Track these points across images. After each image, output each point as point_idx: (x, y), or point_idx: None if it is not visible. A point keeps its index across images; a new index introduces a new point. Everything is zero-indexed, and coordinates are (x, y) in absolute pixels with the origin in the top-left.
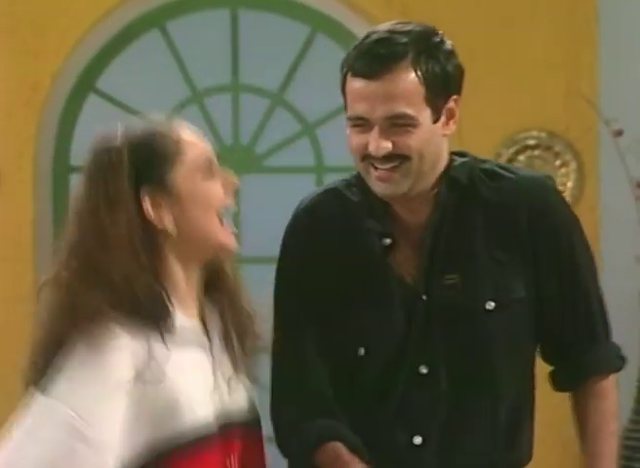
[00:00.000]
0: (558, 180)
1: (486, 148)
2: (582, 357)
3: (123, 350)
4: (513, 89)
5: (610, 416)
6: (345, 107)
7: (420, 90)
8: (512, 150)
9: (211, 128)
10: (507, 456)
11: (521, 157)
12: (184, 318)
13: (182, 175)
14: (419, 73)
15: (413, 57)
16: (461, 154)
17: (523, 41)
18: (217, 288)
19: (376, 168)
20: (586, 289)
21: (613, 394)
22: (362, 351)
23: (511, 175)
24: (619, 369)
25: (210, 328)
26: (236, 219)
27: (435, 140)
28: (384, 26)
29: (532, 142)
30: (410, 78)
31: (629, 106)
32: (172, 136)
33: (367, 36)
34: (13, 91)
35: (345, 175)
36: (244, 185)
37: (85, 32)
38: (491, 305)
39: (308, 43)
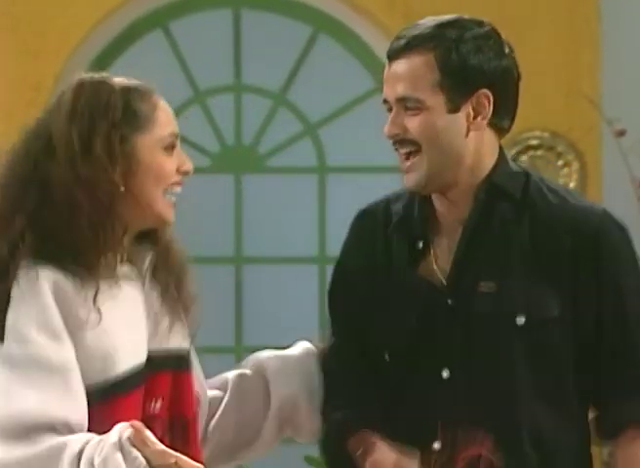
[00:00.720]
0: (561, 181)
1: None
2: (623, 403)
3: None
4: None
5: None
6: None
7: (434, 75)
8: (514, 150)
9: (213, 128)
10: None
11: (523, 157)
12: (118, 264)
13: (146, 143)
14: (437, 58)
15: (435, 42)
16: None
17: (524, 41)
18: (152, 242)
19: (401, 159)
20: (632, 334)
21: None
22: (387, 356)
23: (571, 199)
24: None
25: (142, 274)
26: (238, 219)
27: (453, 131)
28: (428, 18)
29: (534, 143)
30: (423, 61)
31: (632, 106)
32: (151, 100)
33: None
34: (14, 91)
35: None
36: (246, 185)
37: (87, 32)
38: (521, 321)
39: (311, 43)
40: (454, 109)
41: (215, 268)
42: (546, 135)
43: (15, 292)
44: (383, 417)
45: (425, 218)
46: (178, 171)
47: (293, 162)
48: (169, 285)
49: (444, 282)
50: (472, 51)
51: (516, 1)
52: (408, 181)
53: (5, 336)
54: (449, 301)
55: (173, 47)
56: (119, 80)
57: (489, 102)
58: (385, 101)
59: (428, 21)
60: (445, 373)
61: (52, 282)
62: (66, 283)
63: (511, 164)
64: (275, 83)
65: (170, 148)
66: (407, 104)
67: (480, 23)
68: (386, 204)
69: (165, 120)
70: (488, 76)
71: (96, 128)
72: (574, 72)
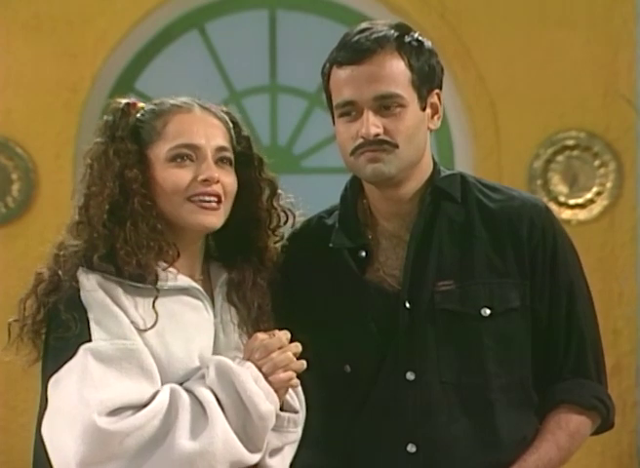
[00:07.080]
0: (597, 181)
1: (524, 149)
2: (557, 385)
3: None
4: (552, 89)
5: (558, 449)
6: (330, 103)
7: (407, 73)
8: (551, 151)
9: (248, 128)
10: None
11: (560, 157)
12: (186, 279)
13: (154, 157)
14: (404, 58)
15: (397, 43)
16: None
17: (561, 41)
18: (242, 259)
19: (365, 152)
20: (581, 322)
21: (576, 434)
22: (348, 368)
23: (513, 192)
24: (591, 407)
25: (215, 290)
26: None
27: (422, 129)
28: (363, 24)
29: (571, 143)
30: (396, 61)
31: None
32: (165, 117)
33: (347, 34)
34: (52, 92)
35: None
36: (281, 186)
37: (124, 34)
38: (486, 312)
39: None
40: (423, 107)
41: None
42: (583, 135)
43: (83, 296)
44: (345, 431)
45: (365, 227)
46: (194, 180)
47: (328, 163)
48: (248, 308)
49: (397, 286)
50: (428, 51)
51: (554, 1)
52: (377, 169)
53: (92, 336)
54: (407, 304)
55: (209, 48)
56: (144, 103)
57: (440, 102)
58: (347, 104)
59: (378, 25)
60: (410, 376)
61: (100, 285)
62: (113, 287)
63: (443, 168)
64: (311, 84)
65: (179, 159)
66: (386, 103)
67: (412, 27)
68: (318, 220)
69: (174, 133)
70: (440, 76)
71: (109, 146)
72: (611, 72)
